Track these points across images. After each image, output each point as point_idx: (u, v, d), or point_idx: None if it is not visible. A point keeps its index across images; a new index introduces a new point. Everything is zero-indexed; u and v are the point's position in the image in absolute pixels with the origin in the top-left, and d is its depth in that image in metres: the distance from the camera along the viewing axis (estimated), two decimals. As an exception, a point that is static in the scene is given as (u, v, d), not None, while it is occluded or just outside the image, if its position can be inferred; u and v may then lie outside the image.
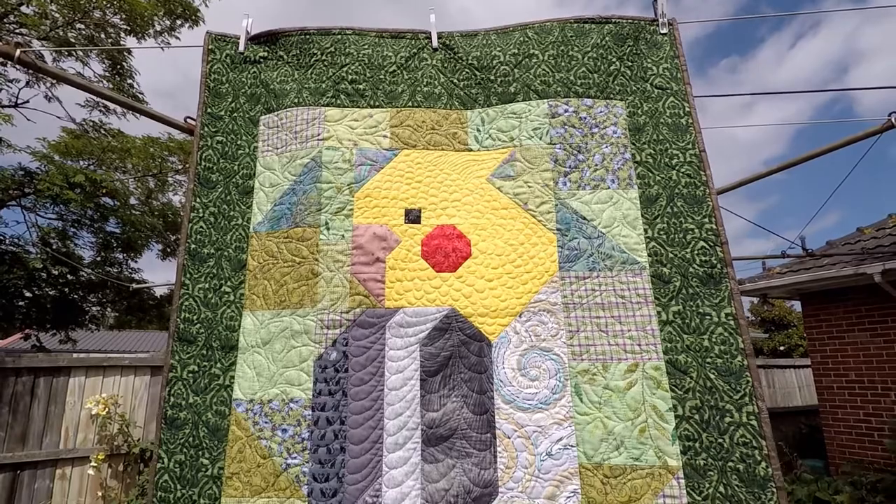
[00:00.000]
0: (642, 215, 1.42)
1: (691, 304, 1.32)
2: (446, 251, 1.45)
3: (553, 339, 1.36)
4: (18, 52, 1.82)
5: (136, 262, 9.58)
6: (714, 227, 1.37)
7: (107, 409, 5.07)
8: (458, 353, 1.38)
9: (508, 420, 1.32)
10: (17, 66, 1.94)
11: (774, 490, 1.16)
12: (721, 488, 1.19)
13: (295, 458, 1.35)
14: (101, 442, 5.08)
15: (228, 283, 1.52)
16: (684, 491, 1.20)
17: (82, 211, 7.79)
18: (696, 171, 1.43)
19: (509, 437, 1.30)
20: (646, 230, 1.40)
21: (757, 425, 1.20)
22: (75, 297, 8.26)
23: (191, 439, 1.39)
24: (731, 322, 1.28)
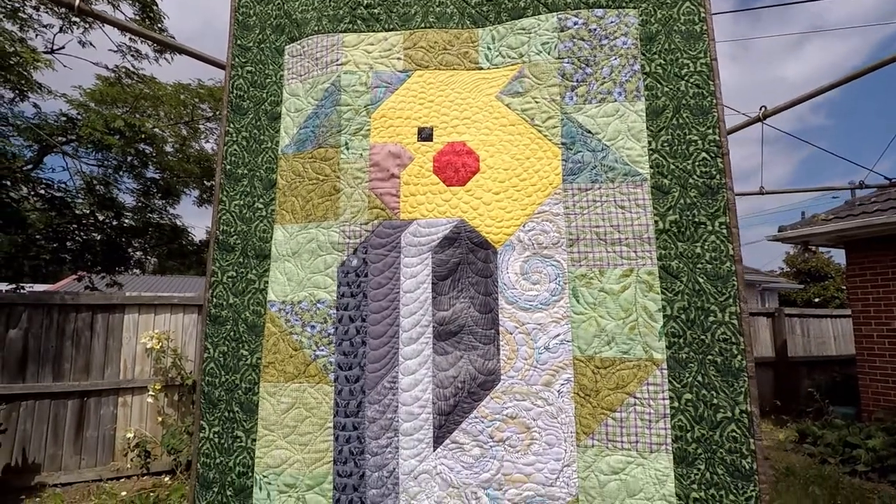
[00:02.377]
0: (647, 128, 1.45)
1: (688, 213, 1.38)
2: (456, 167, 1.54)
3: (554, 247, 1.46)
4: (78, 1, 1.96)
5: (174, 208, 9.80)
6: (717, 138, 1.39)
7: (160, 344, 5.53)
8: (467, 260, 1.50)
9: (511, 318, 1.45)
10: (76, 15, 2.10)
11: (746, 379, 1.26)
12: (699, 377, 1.30)
13: (322, 350, 1.55)
14: (157, 374, 5.57)
15: (261, 200, 1.67)
16: (666, 379, 1.33)
17: (123, 157, 7.95)
18: (705, 81, 1.44)
19: (511, 333, 1.44)
20: (650, 142, 1.44)
21: (737, 324, 1.29)
22: (121, 241, 8.60)
23: (232, 333, 1.60)
24: (724, 230, 1.34)
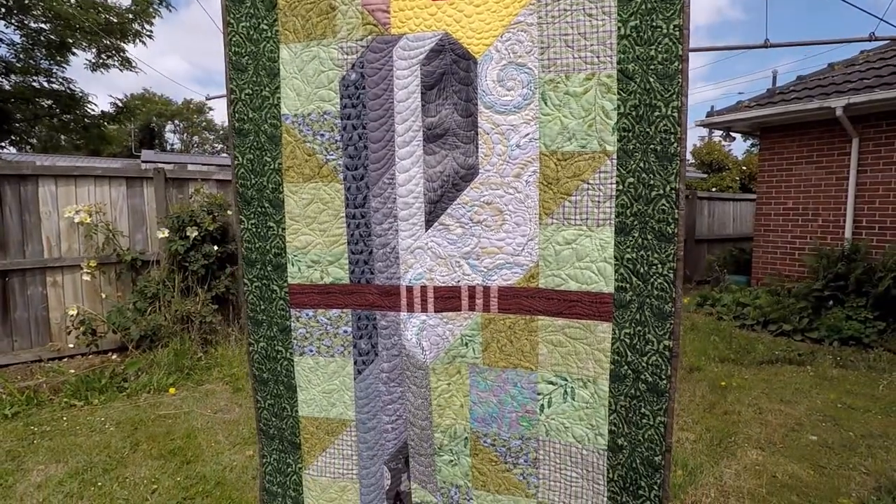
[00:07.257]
0: None
1: (647, 18, 1.53)
2: (441, -20, 1.66)
3: (527, 56, 1.64)
4: None
5: (63, 69, 7.58)
6: None
7: (91, 218, 4.92)
8: (450, 70, 1.70)
9: (488, 121, 1.70)
10: None
11: (679, 162, 1.53)
12: (641, 164, 1.58)
13: (332, 154, 1.84)
14: (88, 251, 5.02)
15: (265, 21, 1.83)
16: (615, 167, 1.61)
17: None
18: None
19: (488, 134, 1.71)
20: None
21: (677, 116, 1.51)
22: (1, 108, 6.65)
23: (255, 143, 1.89)
24: (677, 32, 1.50)
